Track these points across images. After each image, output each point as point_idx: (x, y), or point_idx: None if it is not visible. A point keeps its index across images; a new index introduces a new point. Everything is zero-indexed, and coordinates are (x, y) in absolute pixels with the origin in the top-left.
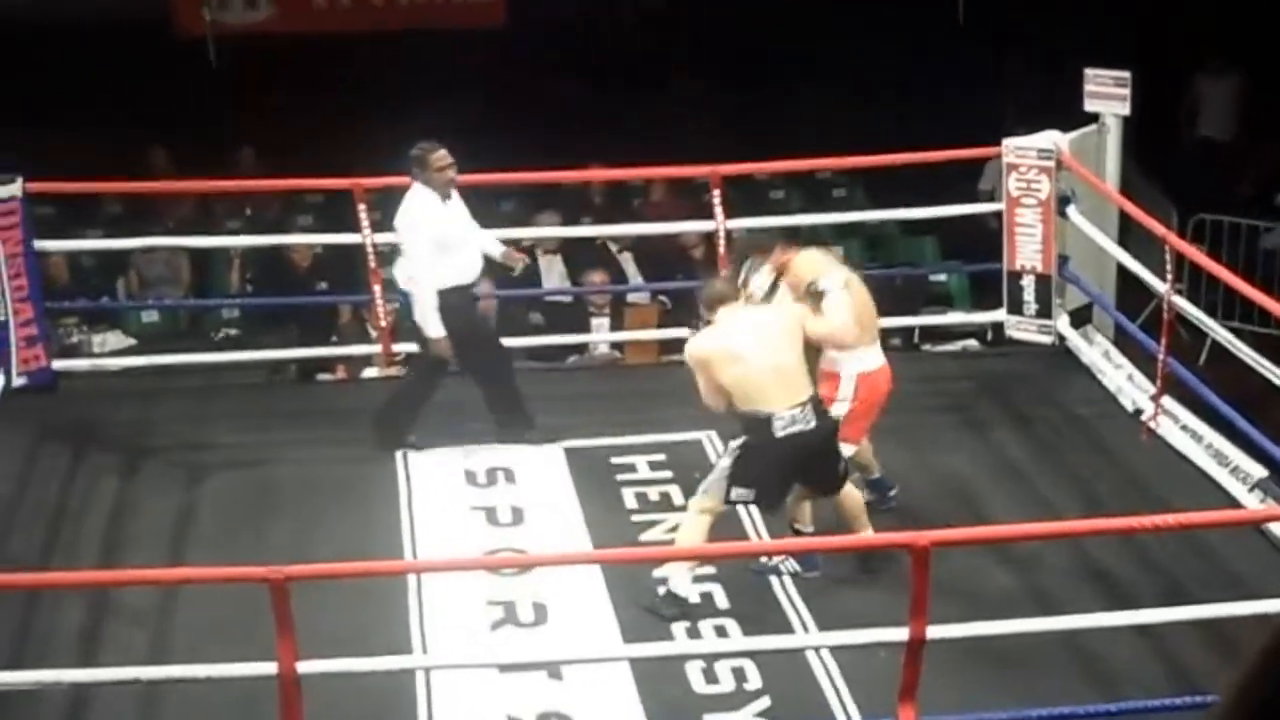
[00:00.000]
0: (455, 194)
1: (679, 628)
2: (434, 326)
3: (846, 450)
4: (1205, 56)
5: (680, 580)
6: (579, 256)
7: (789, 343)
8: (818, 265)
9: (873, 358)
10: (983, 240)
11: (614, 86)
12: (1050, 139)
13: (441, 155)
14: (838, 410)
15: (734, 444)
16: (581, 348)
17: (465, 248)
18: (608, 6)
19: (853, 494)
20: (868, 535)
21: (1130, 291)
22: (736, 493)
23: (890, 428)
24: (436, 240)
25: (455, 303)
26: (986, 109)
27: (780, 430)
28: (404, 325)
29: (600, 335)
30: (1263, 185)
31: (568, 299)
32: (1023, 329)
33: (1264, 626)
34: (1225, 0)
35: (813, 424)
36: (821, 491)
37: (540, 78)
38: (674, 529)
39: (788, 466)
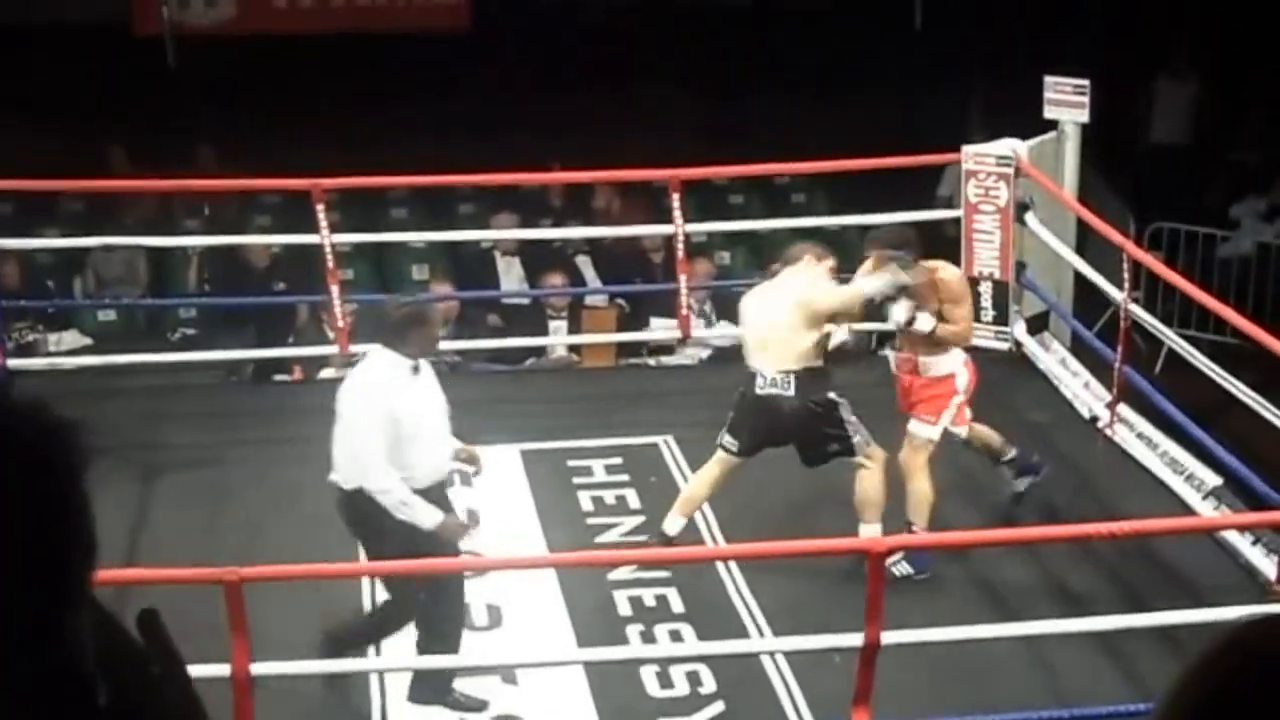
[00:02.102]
0: (426, 364)
1: (634, 632)
2: (426, 513)
3: (948, 431)
4: (1166, 61)
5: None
6: (538, 258)
7: (786, 316)
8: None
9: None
10: (941, 246)
11: (576, 92)
12: (1009, 146)
13: (438, 310)
14: (955, 401)
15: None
16: (539, 350)
17: (435, 436)
18: (571, 13)
19: (865, 483)
20: (873, 530)
21: (1088, 299)
22: (726, 439)
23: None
24: (402, 425)
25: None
26: (947, 116)
27: (759, 389)
28: (362, 530)
29: (558, 338)
30: (1224, 195)
31: (525, 301)
32: (980, 335)
33: (1216, 634)
34: (1184, 8)
35: (791, 393)
36: (802, 459)
37: (502, 82)
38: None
39: (761, 424)
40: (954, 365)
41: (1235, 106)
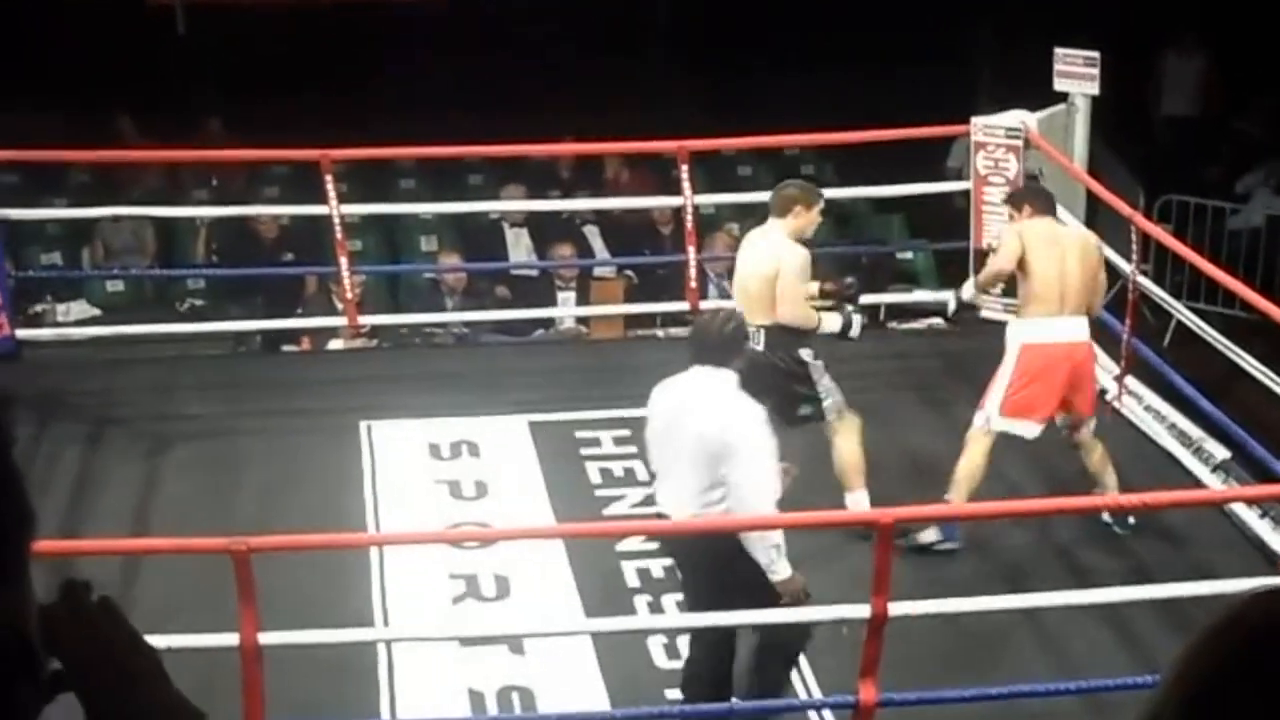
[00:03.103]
0: None
1: (641, 603)
2: (785, 562)
3: (1020, 429)
4: (1175, 35)
5: None
6: (546, 230)
7: (764, 270)
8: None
9: (1048, 330)
10: (950, 218)
11: (585, 61)
12: (1018, 118)
13: None
14: (999, 381)
15: None
16: (548, 321)
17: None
18: None
19: (840, 451)
20: (859, 498)
21: None
22: None
23: (856, 406)
24: None
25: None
26: (957, 87)
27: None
28: (716, 576)
29: (567, 309)
30: (1231, 167)
31: (534, 272)
32: (989, 307)
33: (1223, 607)
34: None
35: (759, 347)
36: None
37: (510, 50)
38: None
39: (754, 378)
40: (1010, 336)
41: (1244, 80)
